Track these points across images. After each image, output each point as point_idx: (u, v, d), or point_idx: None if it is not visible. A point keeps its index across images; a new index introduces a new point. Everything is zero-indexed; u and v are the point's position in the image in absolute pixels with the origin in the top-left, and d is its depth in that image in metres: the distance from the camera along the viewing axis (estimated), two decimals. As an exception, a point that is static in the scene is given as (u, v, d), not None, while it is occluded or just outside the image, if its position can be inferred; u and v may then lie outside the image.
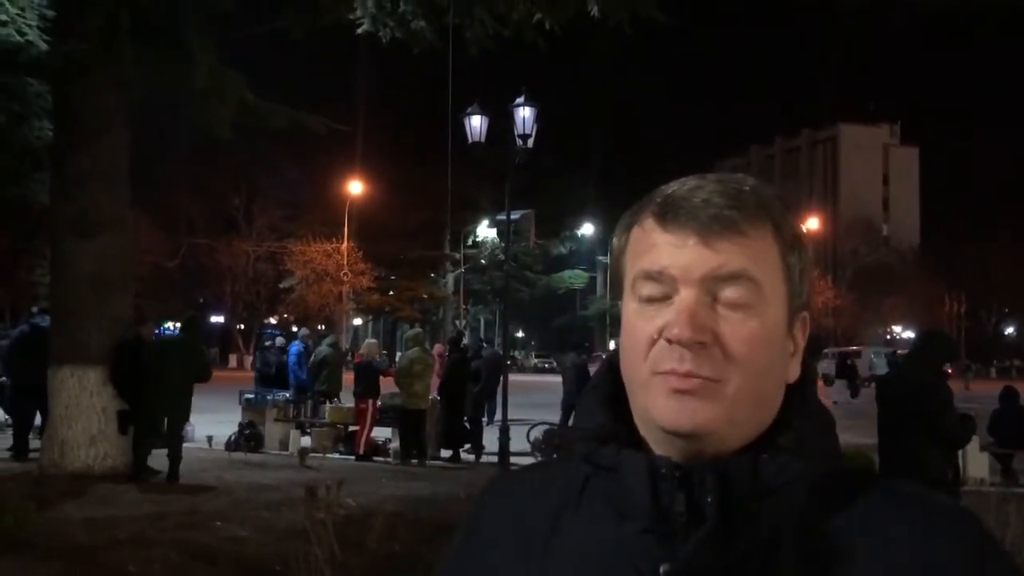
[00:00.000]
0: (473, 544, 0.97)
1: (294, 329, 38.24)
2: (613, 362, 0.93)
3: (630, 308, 0.88)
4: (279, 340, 18.55)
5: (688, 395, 0.82)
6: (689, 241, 0.84)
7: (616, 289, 0.93)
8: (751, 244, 0.85)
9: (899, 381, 5.90)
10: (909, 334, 62.33)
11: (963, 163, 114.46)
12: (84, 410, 10.15)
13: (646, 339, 0.85)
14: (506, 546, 0.93)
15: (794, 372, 0.89)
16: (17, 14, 9.04)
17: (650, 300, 0.86)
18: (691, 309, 0.83)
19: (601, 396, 0.92)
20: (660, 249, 0.86)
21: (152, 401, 10.05)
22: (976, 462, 11.18)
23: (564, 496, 0.92)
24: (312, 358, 15.42)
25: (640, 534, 0.84)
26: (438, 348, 16.57)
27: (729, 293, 0.84)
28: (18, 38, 9.20)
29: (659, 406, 0.83)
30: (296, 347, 16.56)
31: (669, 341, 0.83)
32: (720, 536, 0.80)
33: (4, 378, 12.80)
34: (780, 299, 0.87)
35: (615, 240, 0.93)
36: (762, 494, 0.81)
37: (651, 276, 0.86)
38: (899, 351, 31.51)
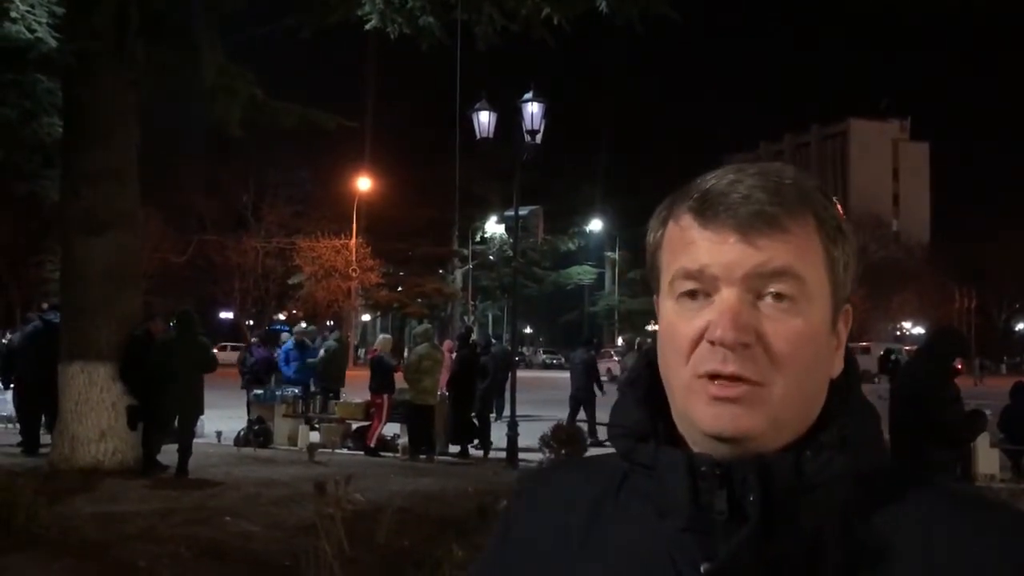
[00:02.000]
0: (508, 542, 0.95)
1: (302, 325, 38.24)
2: (651, 358, 0.90)
3: (668, 307, 0.86)
4: (285, 336, 18.60)
5: (731, 402, 0.80)
6: (730, 239, 0.82)
7: (652, 285, 0.90)
8: (794, 239, 0.82)
9: (906, 377, 5.91)
10: (919, 330, 62.06)
11: (973, 158, 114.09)
12: (94, 406, 10.20)
13: (687, 340, 0.82)
14: (542, 544, 0.91)
15: (838, 367, 0.86)
16: (27, 11, 9.05)
17: (690, 299, 0.84)
18: (734, 309, 0.80)
19: (638, 393, 0.90)
20: (699, 246, 0.83)
21: (162, 398, 10.10)
22: (987, 458, 11.14)
23: (601, 494, 0.91)
24: (322, 353, 15.50)
25: (679, 533, 0.82)
26: (447, 344, 16.59)
27: (772, 291, 0.81)
28: (27, 35, 9.21)
29: (700, 411, 0.81)
30: (289, 343, 16.59)
31: (712, 343, 0.81)
32: (762, 534, 0.78)
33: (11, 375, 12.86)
34: (824, 294, 0.84)
35: (649, 235, 0.90)
36: (805, 491, 0.79)
37: (691, 275, 0.83)
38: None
